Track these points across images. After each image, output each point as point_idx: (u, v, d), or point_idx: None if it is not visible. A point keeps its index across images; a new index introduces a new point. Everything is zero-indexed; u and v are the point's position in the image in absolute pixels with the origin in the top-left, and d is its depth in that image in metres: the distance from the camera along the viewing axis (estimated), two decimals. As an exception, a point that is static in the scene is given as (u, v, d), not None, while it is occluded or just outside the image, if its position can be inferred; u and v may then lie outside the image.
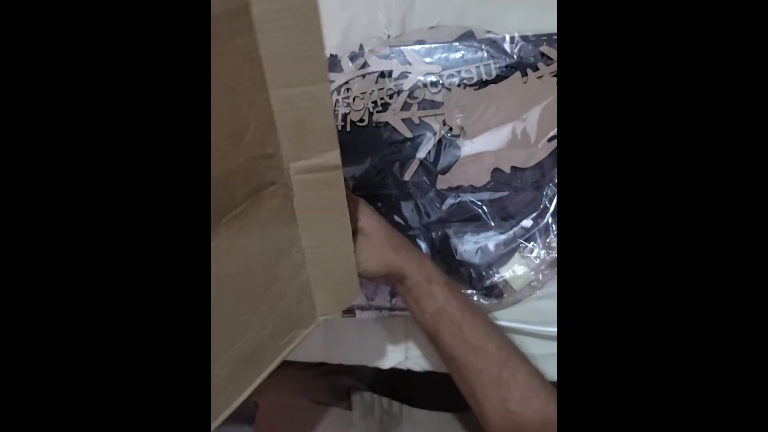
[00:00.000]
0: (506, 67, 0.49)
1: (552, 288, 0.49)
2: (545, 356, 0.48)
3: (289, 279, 0.38)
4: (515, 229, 0.49)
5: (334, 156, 0.36)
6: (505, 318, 0.50)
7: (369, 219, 0.41)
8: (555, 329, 0.48)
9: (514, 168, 0.49)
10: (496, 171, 0.49)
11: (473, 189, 0.49)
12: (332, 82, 0.51)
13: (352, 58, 0.51)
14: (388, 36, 0.51)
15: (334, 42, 0.52)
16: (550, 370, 0.48)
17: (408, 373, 0.51)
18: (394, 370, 0.51)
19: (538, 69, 0.49)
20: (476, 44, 0.49)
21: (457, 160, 0.50)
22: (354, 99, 0.51)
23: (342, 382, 0.55)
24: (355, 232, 0.40)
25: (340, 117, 0.51)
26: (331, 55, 0.52)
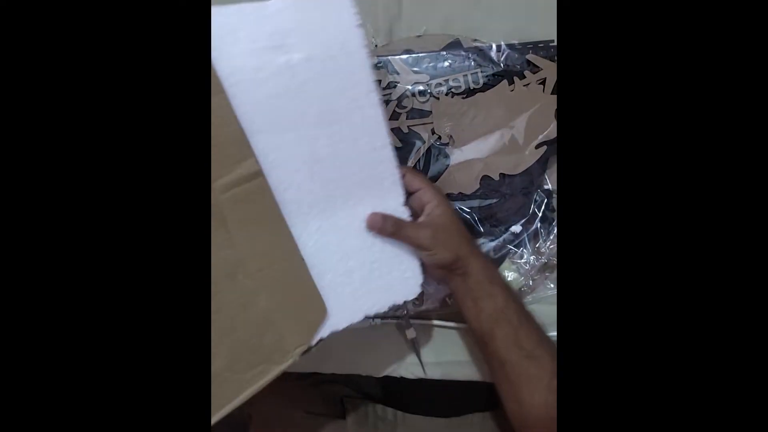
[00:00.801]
0: (493, 75, 0.49)
1: (542, 293, 0.50)
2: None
3: (239, 308, 0.36)
4: (505, 235, 0.50)
5: (252, 163, 0.36)
6: (496, 324, 0.50)
7: (440, 207, 0.42)
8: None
9: (502, 175, 0.50)
10: (485, 178, 0.50)
11: (463, 196, 0.50)
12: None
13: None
14: (376, 45, 0.52)
15: (321, 52, 0.52)
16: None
17: (401, 381, 0.51)
18: (387, 378, 0.51)
19: (524, 77, 0.49)
20: (463, 53, 0.49)
21: (446, 168, 0.50)
22: (343, 109, 0.51)
23: (335, 391, 0.55)
24: (427, 218, 0.41)
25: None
26: (319, 64, 0.52)
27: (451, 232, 0.41)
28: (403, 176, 0.42)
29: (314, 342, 0.39)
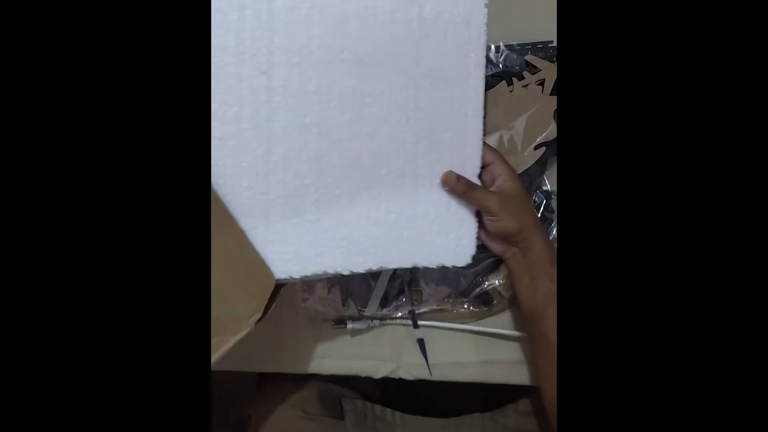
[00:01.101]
0: (492, 76, 0.49)
1: (541, 294, 0.50)
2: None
3: None
4: (504, 236, 0.50)
5: None
6: (494, 324, 0.50)
7: (511, 180, 0.43)
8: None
9: (501, 176, 0.50)
10: (484, 179, 0.50)
11: (462, 197, 0.50)
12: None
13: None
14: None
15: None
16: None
17: (399, 382, 0.51)
18: (385, 379, 0.51)
19: (523, 78, 0.49)
20: (462, 54, 0.49)
21: (445, 169, 0.50)
22: (341, 109, 0.51)
23: (333, 391, 0.55)
24: (496, 189, 0.43)
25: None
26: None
27: (519, 203, 0.43)
28: None
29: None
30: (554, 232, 0.50)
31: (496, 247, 0.44)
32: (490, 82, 0.49)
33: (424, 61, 0.41)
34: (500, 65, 0.49)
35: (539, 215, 0.50)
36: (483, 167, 0.44)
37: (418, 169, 0.43)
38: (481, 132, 0.44)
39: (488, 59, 0.49)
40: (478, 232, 0.44)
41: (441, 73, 0.42)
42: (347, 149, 0.41)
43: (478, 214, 0.44)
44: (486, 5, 0.42)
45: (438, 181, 0.43)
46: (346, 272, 0.41)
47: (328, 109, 0.40)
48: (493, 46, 0.49)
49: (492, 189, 0.43)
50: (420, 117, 0.42)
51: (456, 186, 0.42)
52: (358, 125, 0.41)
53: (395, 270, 0.49)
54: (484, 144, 0.44)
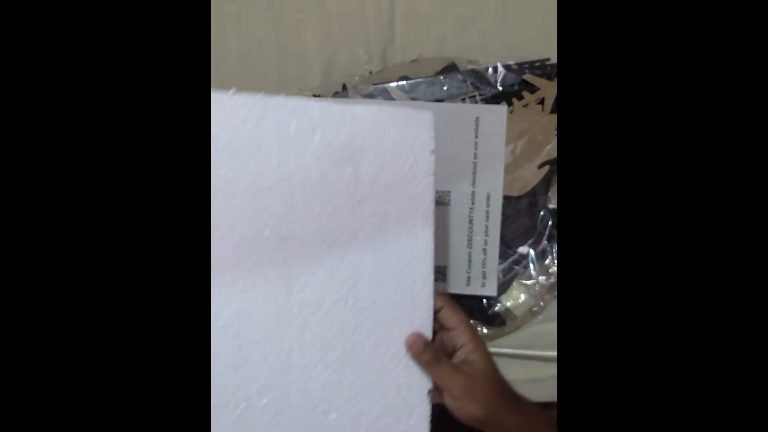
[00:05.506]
0: (492, 97, 0.49)
1: (552, 311, 0.50)
2: (549, 378, 0.49)
3: None
4: (513, 257, 0.50)
5: None
6: (508, 345, 0.50)
7: (479, 352, 0.37)
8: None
9: (506, 197, 0.50)
10: (489, 201, 0.49)
11: (468, 221, 0.50)
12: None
13: (336, 97, 0.50)
14: (370, 72, 0.51)
15: (315, 83, 0.51)
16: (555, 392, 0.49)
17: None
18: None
19: (522, 98, 0.49)
20: (460, 77, 0.49)
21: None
22: (341, 139, 0.50)
23: None
24: (461, 363, 0.37)
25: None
26: (314, 95, 0.51)
27: (486, 384, 0.37)
28: (440, 310, 0.38)
29: None
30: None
31: (467, 424, 0.38)
32: (490, 104, 0.49)
33: (363, 229, 0.36)
34: (498, 86, 0.49)
35: (546, 233, 0.50)
36: (444, 330, 0.38)
37: (360, 356, 0.37)
38: (431, 300, 0.38)
39: (486, 80, 0.49)
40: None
41: (382, 240, 0.36)
42: (271, 350, 0.35)
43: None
44: (432, 152, 0.37)
45: (383, 365, 0.37)
46: None
47: (247, 303, 0.35)
48: (490, 68, 0.49)
49: (455, 360, 0.38)
50: (360, 294, 0.36)
51: (422, 354, 0.36)
52: (284, 317, 0.35)
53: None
54: (447, 303, 0.38)
